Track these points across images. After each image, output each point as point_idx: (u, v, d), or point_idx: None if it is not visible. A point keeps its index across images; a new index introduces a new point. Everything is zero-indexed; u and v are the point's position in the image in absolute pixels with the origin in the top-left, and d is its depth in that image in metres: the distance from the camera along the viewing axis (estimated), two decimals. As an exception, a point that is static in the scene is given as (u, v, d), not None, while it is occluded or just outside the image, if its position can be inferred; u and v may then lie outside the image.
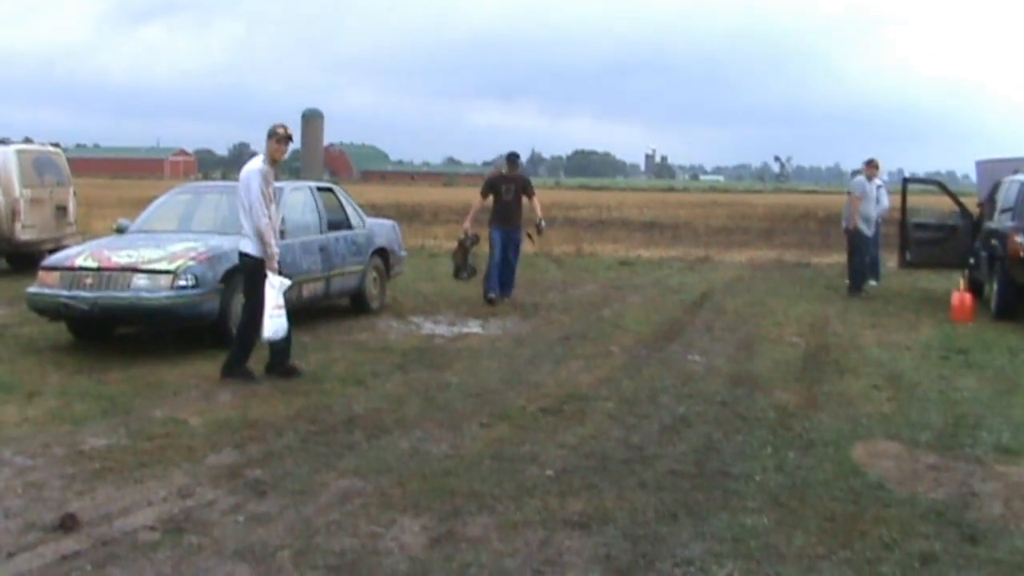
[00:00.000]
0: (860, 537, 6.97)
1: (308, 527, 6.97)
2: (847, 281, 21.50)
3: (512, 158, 19.42)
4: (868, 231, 20.98)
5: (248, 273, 11.87)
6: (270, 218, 11.61)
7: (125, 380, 11.49)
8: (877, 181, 22.92)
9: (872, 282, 22.25)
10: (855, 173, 24.86)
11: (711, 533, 6.99)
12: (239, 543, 6.65)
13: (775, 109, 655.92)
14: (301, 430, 9.49)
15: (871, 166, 21.40)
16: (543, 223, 19.39)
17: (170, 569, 6.22)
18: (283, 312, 11.45)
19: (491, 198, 19.06)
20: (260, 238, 11.51)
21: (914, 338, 15.35)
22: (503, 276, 18.77)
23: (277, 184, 12.58)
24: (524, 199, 18.96)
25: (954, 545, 6.86)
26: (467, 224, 19.44)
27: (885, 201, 22.94)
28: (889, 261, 23.22)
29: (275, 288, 11.42)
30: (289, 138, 11.91)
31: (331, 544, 6.66)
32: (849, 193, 21.57)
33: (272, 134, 11.76)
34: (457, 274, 19.35)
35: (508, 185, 18.81)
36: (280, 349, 11.74)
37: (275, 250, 11.48)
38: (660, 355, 13.65)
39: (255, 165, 11.66)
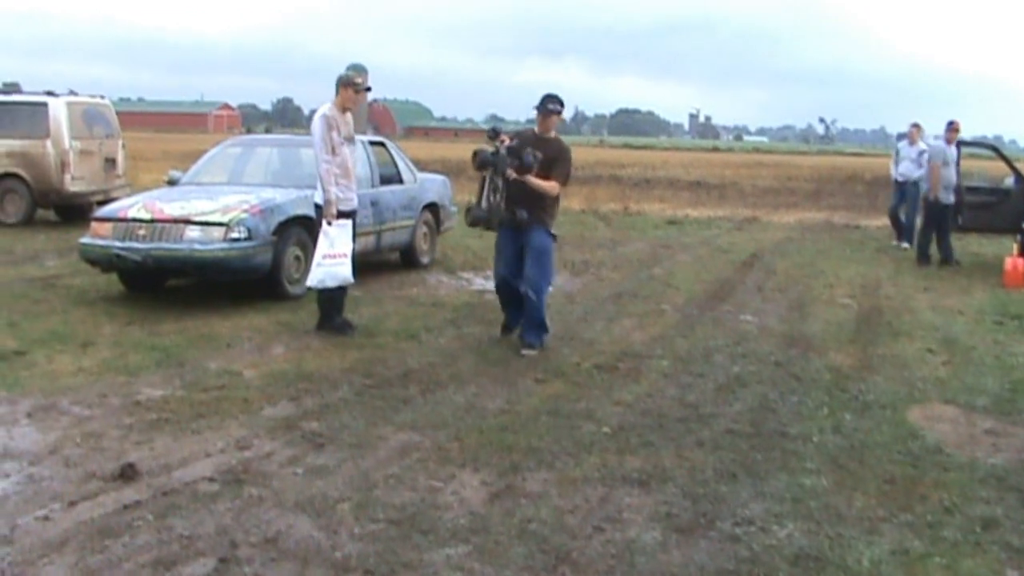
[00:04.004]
0: (920, 500, 6.93)
1: (367, 480, 6.97)
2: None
3: (548, 103, 11.35)
4: (948, 199, 20.02)
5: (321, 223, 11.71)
6: (347, 166, 11.61)
7: (178, 332, 11.51)
8: (921, 146, 22.70)
9: (905, 244, 22.16)
10: (900, 136, 24.43)
11: (770, 493, 6.96)
12: (299, 495, 6.66)
13: (820, 71, 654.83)
14: (356, 383, 9.50)
15: (952, 130, 20.50)
16: (506, 152, 11.10)
17: (231, 520, 6.23)
18: (339, 262, 11.37)
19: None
20: (319, 183, 11.49)
21: (967, 302, 15.23)
22: (520, 305, 11.48)
23: None
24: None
25: (1015, 511, 6.81)
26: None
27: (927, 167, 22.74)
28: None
29: (328, 237, 11.38)
30: (366, 89, 11.95)
31: (391, 498, 6.66)
32: (929, 160, 20.81)
33: (349, 83, 11.64)
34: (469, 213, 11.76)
35: (535, 152, 11.08)
36: (327, 304, 11.74)
37: (332, 196, 11.40)
38: (712, 314, 13.62)
39: (321, 111, 11.59)
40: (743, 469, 7.43)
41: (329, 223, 11.34)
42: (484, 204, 11.46)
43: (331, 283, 11.41)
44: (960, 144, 21.16)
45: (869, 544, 6.13)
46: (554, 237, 11.48)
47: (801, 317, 13.63)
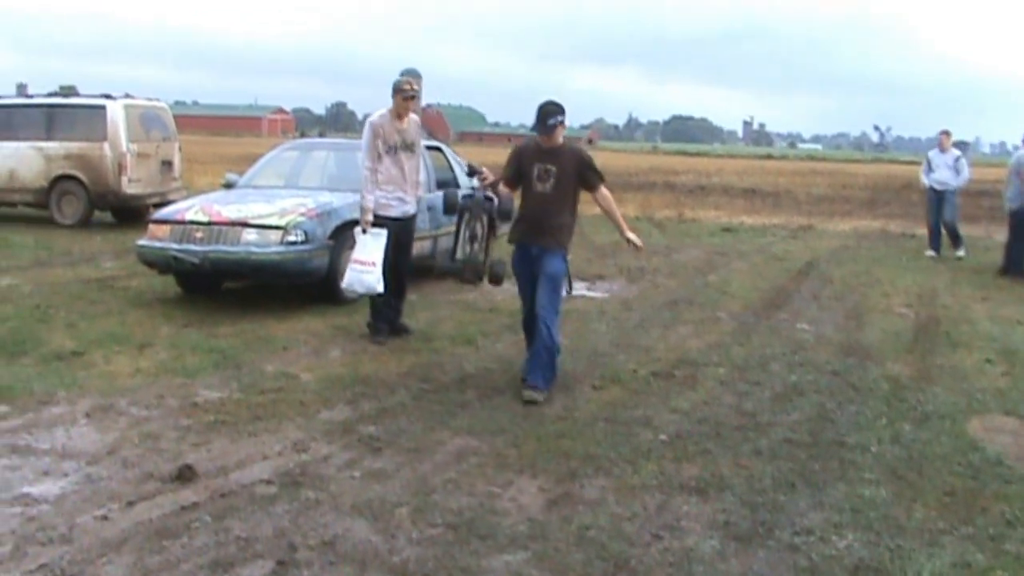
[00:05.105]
0: (981, 513, 6.85)
1: (425, 485, 6.97)
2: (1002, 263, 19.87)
3: (548, 120, 9.57)
4: None
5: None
6: (392, 173, 11.40)
7: (235, 334, 11.55)
8: (955, 152, 22.48)
9: (960, 253, 21.94)
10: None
11: (829, 503, 6.91)
12: (356, 499, 6.67)
13: (875, 79, 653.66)
14: (413, 388, 9.51)
15: None
16: (633, 239, 10.30)
17: (288, 523, 6.24)
18: (367, 269, 11.18)
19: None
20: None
21: (1026, 313, 15.07)
22: (533, 337, 9.87)
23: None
24: (576, 192, 9.95)
25: (1079, 526, 6.72)
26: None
27: (965, 173, 22.46)
28: (996, 234, 22.77)
29: (359, 242, 11.31)
30: (412, 96, 11.57)
31: (449, 502, 6.66)
32: (1018, 170, 20.23)
33: (398, 89, 11.48)
34: (454, 264, 11.10)
35: (546, 166, 9.68)
36: (376, 308, 11.69)
37: (367, 203, 11.30)
38: (768, 322, 13.53)
39: (371, 116, 11.60)
40: (801, 478, 7.39)
41: (364, 230, 11.30)
42: (459, 254, 10.65)
43: (359, 289, 11.36)
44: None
45: (930, 556, 6.08)
46: (566, 259, 9.95)
47: (858, 326, 13.53)
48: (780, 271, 19.15)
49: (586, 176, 9.76)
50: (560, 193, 9.68)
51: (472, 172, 10.45)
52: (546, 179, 9.65)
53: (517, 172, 9.85)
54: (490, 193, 10.61)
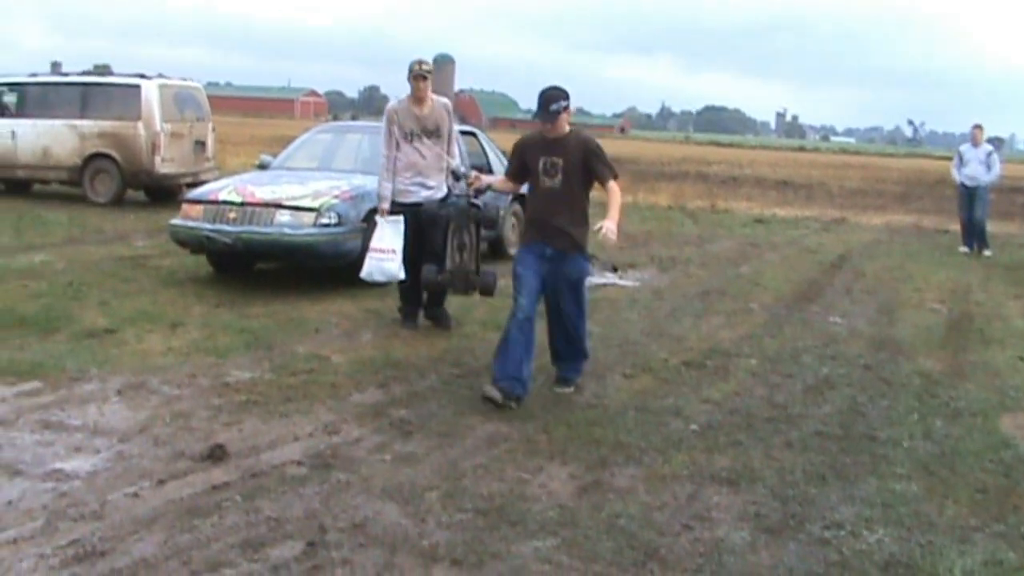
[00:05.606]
0: (1013, 511, 6.80)
1: (455, 469, 6.98)
2: None
3: (550, 106, 8.69)
4: None
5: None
6: (411, 160, 11.28)
7: (267, 315, 11.57)
8: (987, 147, 22.34)
9: (987, 252, 21.81)
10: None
11: (860, 497, 6.88)
12: (387, 482, 6.67)
13: (910, 73, 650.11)
14: (444, 372, 9.53)
15: None
16: (608, 228, 8.37)
17: (319, 504, 6.24)
18: (387, 257, 11.13)
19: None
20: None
21: (1060, 311, 14.97)
22: (557, 341, 9.29)
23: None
24: (587, 186, 9.02)
25: (1112, 525, 6.67)
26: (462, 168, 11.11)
27: (997, 168, 22.31)
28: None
29: (377, 230, 11.31)
30: (422, 76, 11.22)
31: (479, 488, 6.65)
32: None
33: (410, 71, 11.24)
34: (442, 276, 10.63)
35: (552, 159, 8.79)
36: (404, 294, 11.66)
37: (384, 192, 11.31)
38: (800, 315, 13.49)
39: (389, 103, 11.59)
40: (832, 472, 7.36)
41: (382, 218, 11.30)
42: (448, 263, 10.31)
43: (379, 277, 11.33)
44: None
45: (961, 553, 6.04)
46: (588, 259, 9.22)
47: (890, 321, 13.48)
48: (812, 264, 19.10)
49: (594, 167, 8.79)
50: (569, 188, 8.79)
51: (458, 177, 10.23)
52: (553, 173, 8.77)
53: (522, 167, 9.11)
54: (475, 200, 10.42)
